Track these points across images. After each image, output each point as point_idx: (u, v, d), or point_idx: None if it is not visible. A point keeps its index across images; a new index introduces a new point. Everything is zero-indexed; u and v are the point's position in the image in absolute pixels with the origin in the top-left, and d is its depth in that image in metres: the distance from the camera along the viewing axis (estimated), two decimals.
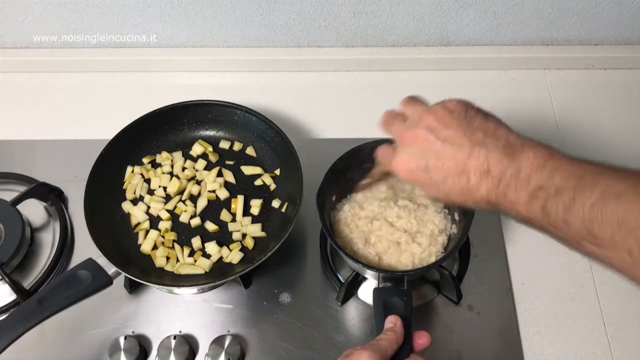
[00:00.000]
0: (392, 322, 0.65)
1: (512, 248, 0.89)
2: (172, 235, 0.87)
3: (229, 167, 0.94)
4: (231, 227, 0.88)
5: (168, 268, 0.84)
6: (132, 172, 0.93)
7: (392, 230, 0.80)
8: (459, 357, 0.80)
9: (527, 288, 0.86)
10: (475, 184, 0.56)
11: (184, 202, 0.91)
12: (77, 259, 0.89)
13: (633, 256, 0.46)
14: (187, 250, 0.86)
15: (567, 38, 1.10)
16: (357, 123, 1.04)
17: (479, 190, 0.56)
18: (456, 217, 0.80)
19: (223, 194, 0.91)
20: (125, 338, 0.78)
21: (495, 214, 0.92)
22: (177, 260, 0.85)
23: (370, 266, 0.76)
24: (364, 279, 0.85)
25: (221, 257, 0.86)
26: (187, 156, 0.95)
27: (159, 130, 0.95)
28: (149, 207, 0.90)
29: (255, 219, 0.89)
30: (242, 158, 0.95)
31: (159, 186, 0.92)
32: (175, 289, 0.85)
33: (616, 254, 0.48)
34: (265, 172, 0.93)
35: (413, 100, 0.64)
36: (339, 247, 0.75)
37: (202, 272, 0.84)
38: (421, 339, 0.65)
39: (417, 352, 0.65)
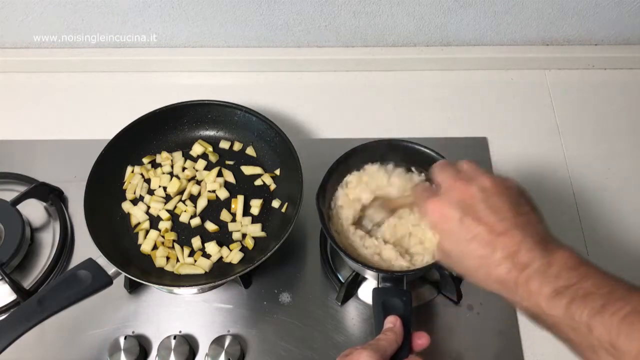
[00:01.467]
0: (392, 322, 0.65)
1: None
2: (172, 235, 0.87)
3: (229, 167, 0.94)
4: (231, 227, 0.88)
5: (168, 268, 0.84)
6: (132, 172, 0.93)
7: (392, 230, 0.80)
8: (459, 357, 0.80)
9: None
10: (498, 260, 0.55)
11: (184, 202, 0.91)
12: (77, 259, 0.89)
13: None
14: (187, 250, 0.86)
15: (567, 38, 1.10)
16: (357, 123, 1.04)
17: (497, 268, 0.55)
18: None
19: (223, 194, 0.91)
20: (125, 338, 0.78)
21: None
22: (177, 260, 0.85)
23: (369, 266, 0.75)
24: (364, 279, 0.85)
25: (221, 257, 0.86)
26: (187, 156, 0.95)
27: (159, 130, 0.95)
28: (149, 207, 0.90)
29: (255, 219, 0.89)
30: (242, 158, 0.95)
31: (159, 186, 0.92)
32: (175, 289, 0.85)
33: None
34: (265, 172, 0.93)
35: (475, 163, 0.63)
36: (339, 247, 0.75)
37: (202, 272, 0.84)
38: (420, 340, 0.65)
39: (417, 352, 0.65)
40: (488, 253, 0.55)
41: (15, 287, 0.82)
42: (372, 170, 0.83)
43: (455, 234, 0.58)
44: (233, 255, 0.85)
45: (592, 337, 0.49)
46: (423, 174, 0.84)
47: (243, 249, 0.86)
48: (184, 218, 0.89)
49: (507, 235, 0.55)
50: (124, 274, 0.78)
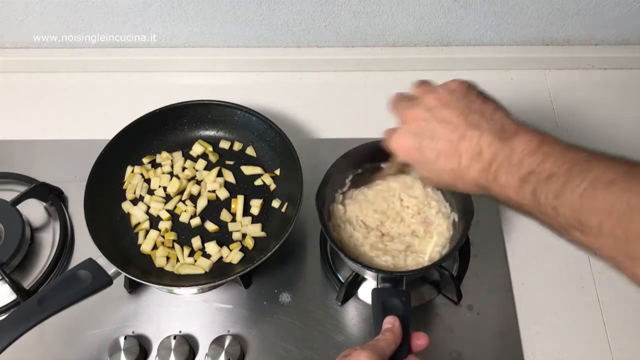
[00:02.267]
0: (391, 322, 0.65)
1: (512, 248, 0.89)
2: (172, 235, 0.87)
3: (229, 167, 0.94)
4: (231, 227, 0.88)
5: (168, 268, 0.84)
6: (132, 172, 0.93)
7: (392, 230, 0.80)
8: (459, 357, 0.80)
9: (527, 288, 0.86)
10: (466, 165, 0.56)
11: (184, 202, 0.91)
12: (77, 259, 0.89)
13: (619, 244, 0.46)
14: (187, 250, 0.86)
15: (567, 38, 1.10)
16: (357, 123, 1.04)
17: (469, 173, 0.56)
18: (456, 217, 0.80)
19: (223, 194, 0.91)
20: (125, 338, 0.78)
21: (495, 214, 0.92)
22: (177, 260, 0.85)
23: (369, 267, 0.75)
24: (364, 279, 0.85)
25: (221, 257, 0.86)
26: (187, 156, 0.95)
27: (159, 130, 0.95)
28: (149, 207, 0.90)
29: (255, 219, 0.89)
30: (242, 158, 0.95)
31: (159, 186, 0.92)
32: (175, 289, 0.85)
33: (603, 242, 0.48)
34: (265, 172, 0.93)
35: (422, 82, 0.65)
36: (338, 248, 0.75)
37: (202, 272, 0.84)
38: (420, 340, 0.65)
39: (416, 353, 0.65)
40: (456, 163, 0.57)
41: (15, 287, 0.82)
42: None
43: (422, 159, 0.60)
44: (233, 255, 0.85)
45: (560, 218, 0.50)
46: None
47: (243, 249, 0.86)
48: (184, 218, 0.89)
49: (465, 139, 0.56)
50: (124, 274, 0.78)
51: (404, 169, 0.81)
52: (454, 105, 0.58)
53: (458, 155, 0.57)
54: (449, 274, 0.81)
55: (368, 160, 0.85)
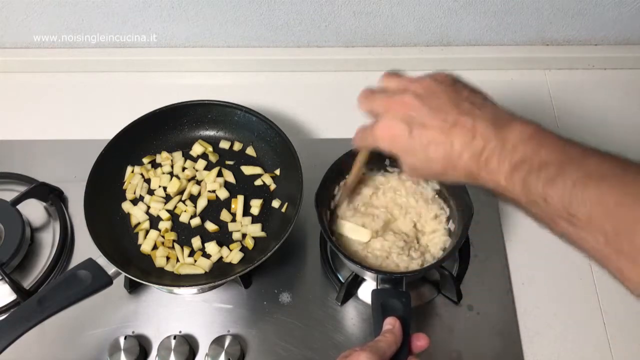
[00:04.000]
0: (391, 323, 0.65)
1: (512, 248, 0.89)
2: (172, 235, 0.87)
3: (229, 167, 0.94)
4: (231, 227, 0.88)
5: (168, 268, 0.84)
6: (132, 172, 0.93)
7: (391, 230, 0.80)
8: (459, 357, 0.80)
9: (527, 288, 0.86)
10: (458, 151, 0.55)
11: (184, 202, 0.91)
12: (77, 259, 0.89)
13: (607, 237, 0.46)
14: (187, 250, 0.86)
15: (567, 38, 1.10)
16: (357, 123, 1.03)
17: (461, 158, 0.55)
18: (456, 217, 0.80)
19: (223, 194, 0.91)
20: (125, 338, 0.78)
21: (495, 214, 0.92)
22: (177, 260, 0.85)
23: (368, 267, 0.76)
24: (364, 279, 0.85)
25: (221, 257, 0.86)
26: (187, 156, 0.95)
27: (159, 130, 0.95)
28: (149, 207, 0.90)
29: (255, 219, 0.89)
30: (242, 158, 0.95)
31: (159, 186, 0.92)
32: (175, 289, 0.85)
33: (590, 235, 0.48)
34: (265, 172, 0.93)
35: (395, 74, 0.63)
36: (338, 248, 0.75)
37: (202, 272, 0.84)
38: (420, 341, 0.65)
39: (416, 354, 0.65)
40: (448, 149, 0.55)
41: (15, 287, 0.82)
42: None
43: (411, 147, 0.58)
44: (233, 255, 0.85)
45: (549, 208, 0.50)
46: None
47: (243, 249, 0.86)
48: (184, 218, 0.89)
49: (457, 127, 0.55)
50: (124, 274, 0.78)
51: (362, 176, 0.80)
52: (443, 94, 0.57)
53: (450, 141, 0.55)
54: (449, 274, 0.81)
55: (368, 160, 0.85)
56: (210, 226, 0.88)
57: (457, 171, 0.56)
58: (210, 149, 0.95)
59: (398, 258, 0.78)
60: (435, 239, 0.80)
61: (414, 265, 0.77)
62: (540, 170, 0.50)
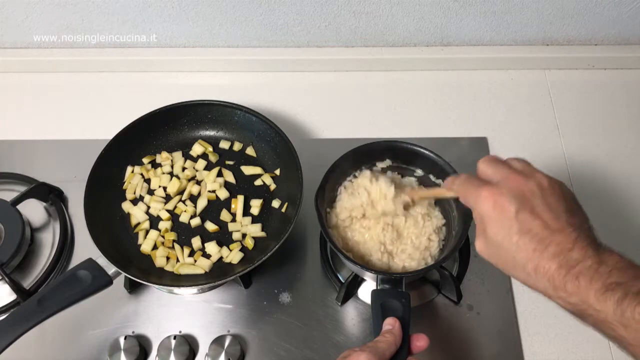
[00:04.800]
0: (391, 324, 0.65)
1: None
2: (172, 235, 0.87)
3: (229, 167, 0.94)
4: (231, 227, 0.88)
5: (168, 268, 0.84)
6: (132, 172, 0.93)
7: (391, 231, 0.80)
8: (459, 357, 0.80)
9: (527, 288, 0.85)
10: (549, 255, 0.54)
11: (184, 202, 0.91)
12: (77, 259, 0.89)
13: None
14: (187, 250, 0.86)
15: (567, 38, 1.10)
16: (357, 123, 1.04)
17: (548, 263, 0.54)
18: (456, 217, 0.80)
19: (223, 194, 0.91)
20: (125, 338, 0.79)
21: None
22: (177, 260, 0.85)
23: (368, 268, 0.76)
24: (364, 279, 0.85)
25: (221, 257, 0.86)
26: (187, 156, 0.95)
27: (159, 130, 0.95)
28: (149, 207, 0.90)
29: (255, 219, 0.89)
30: (242, 158, 0.95)
31: (159, 186, 0.92)
32: (175, 289, 0.85)
33: None
34: (265, 172, 0.93)
35: (527, 161, 0.62)
36: (337, 249, 0.75)
37: (202, 272, 0.84)
38: (419, 342, 0.65)
39: (415, 354, 0.65)
40: (541, 248, 0.55)
41: (15, 287, 0.82)
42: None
43: (509, 225, 0.56)
44: (233, 255, 0.85)
45: None
46: (414, 178, 0.85)
47: (243, 249, 0.86)
48: (184, 218, 0.89)
49: (562, 233, 0.55)
50: (124, 274, 0.78)
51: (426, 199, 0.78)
52: (563, 199, 0.57)
53: (548, 242, 0.55)
54: (449, 274, 0.81)
55: (368, 160, 0.85)
56: (210, 226, 0.88)
57: (537, 273, 0.55)
58: (210, 149, 0.95)
59: (398, 258, 0.78)
60: (435, 239, 0.80)
61: (414, 266, 0.77)
62: (638, 296, 0.50)
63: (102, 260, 0.77)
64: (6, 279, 0.82)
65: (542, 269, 0.55)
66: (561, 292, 0.54)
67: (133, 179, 0.92)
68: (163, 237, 0.87)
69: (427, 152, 0.82)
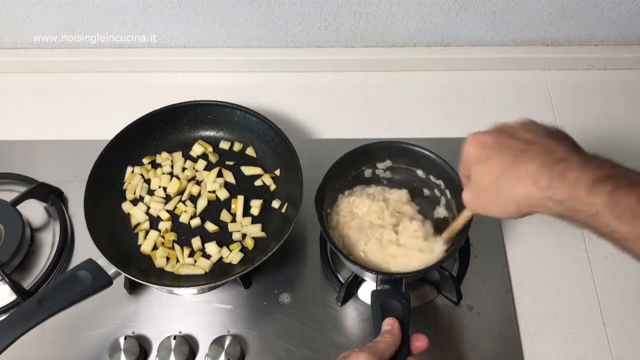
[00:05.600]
0: (390, 324, 0.65)
1: (512, 248, 0.89)
2: (172, 236, 0.87)
3: (229, 168, 0.94)
4: (231, 227, 0.88)
5: (168, 268, 0.84)
6: (132, 172, 0.93)
7: (391, 231, 0.80)
8: (459, 357, 0.80)
9: (527, 288, 0.86)
10: (529, 159, 0.54)
11: (184, 202, 0.91)
12: (77, 259, 0.89)
13: None
14: (187, 251, 0.86)
15: (567, 38, 1.10)
16: (357, 123, 1.04)
17: (529, 164, 0.54)
18: (455, 217, 0.80)
19: (223, 194, 0.91)
20: (125, 338, 0.79)
21: None
22: (177, 261, 0.85)
23: (368, 268, 0.76)
24: (364, 280, 0.85)
25: (221, 258, 0.86)
26: (187, 156, 0.95)
27: (159, 131, 0.95)
28: (149, 208, 0.90)
29: (255, 220, 0.89)
30: (242, 158, 0.95)
31: (159, 186, 0.92)
32: (175, 290, 0.85)
33: None
34: (265, 172, 0.93)
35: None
36: (337, 249, 0.75)
37: (202, 272, 0.84)
38: (419, 342, 0.65)
39: (415, 355, 0.65)
40: (521, 155, 0.55)
41: (16, 287, 0.82)
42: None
43: (490, 155, 0.58)
44: (233, 256, 0.85)
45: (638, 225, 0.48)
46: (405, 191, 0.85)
47: (243, 249, 0.86)
48: (184, 218, 0.89)
49: (539, 143, 0.55)
50: (124, 274, 0.78)
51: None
52: (542, 127, 0.58)
53: (527, 148, 0.55)
54: (449, 274, 0.81)
55: (368, 160, 0.85)
56: (210, 226, 0.88)
57: (520, 180, 0.54)
58: (210, 149, 0.95)
59: (398, 258, 0.78)
60: (434, 239, 0.80)
61: (414, 266, 0.77)
62: (631, 186, 0.49)
63: (102, 261, 0.77)
64: (6, 279, 0.82)
65: (524, 173, 0.54)
66: (547, 192, 0.52)
67: (133, 180, 0.92)
68: (163, 237, 0.87)
69: (427, 152, 0.82)
